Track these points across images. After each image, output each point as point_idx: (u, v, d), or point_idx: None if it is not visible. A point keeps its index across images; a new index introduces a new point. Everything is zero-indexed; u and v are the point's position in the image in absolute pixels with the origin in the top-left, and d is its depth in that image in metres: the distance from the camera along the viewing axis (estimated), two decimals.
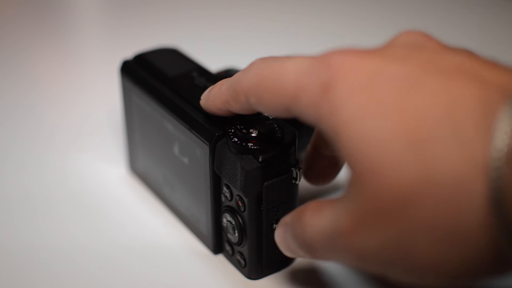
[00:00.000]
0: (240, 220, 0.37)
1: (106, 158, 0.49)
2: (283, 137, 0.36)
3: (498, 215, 0.25)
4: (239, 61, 0.47)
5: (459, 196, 0.25)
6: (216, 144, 0.36)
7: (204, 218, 0.39)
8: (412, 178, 0.26)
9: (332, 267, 0.39)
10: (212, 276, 0.39)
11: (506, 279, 0.28)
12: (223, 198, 0.38)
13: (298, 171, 0.36)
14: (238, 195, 0.36)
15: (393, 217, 0.27)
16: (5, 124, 0.53)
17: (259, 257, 0.38)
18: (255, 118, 0.37)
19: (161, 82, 0.41)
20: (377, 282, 0.38)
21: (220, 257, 0.40)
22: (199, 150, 0.38)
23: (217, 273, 0.39)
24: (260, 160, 0.35)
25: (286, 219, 0.34)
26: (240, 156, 0.35)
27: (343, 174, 0.39)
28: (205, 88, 0.38)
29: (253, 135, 0.35)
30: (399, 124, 0.26)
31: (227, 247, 0.39)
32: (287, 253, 0.35)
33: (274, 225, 0.37)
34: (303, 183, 0.38)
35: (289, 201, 0.37)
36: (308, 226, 0.32)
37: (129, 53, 0.46)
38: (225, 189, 0.37)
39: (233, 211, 0.37)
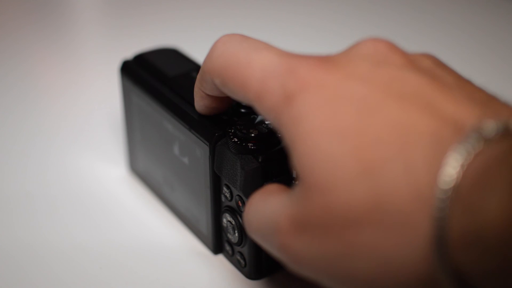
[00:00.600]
0: (240, 220, 0.37)
1: (106, 158, 0.49)
2: None
3: (438, 255, 0.25)
4: None
5: (403, 228, 0.25)
6: (216, 144, 0.36)
7: (204, 218, 0.39)
8: (360, 202, 0.26)
9: None
10: (212, 276, 0.39)
11: None
12: (223, 198, 0.38)
13: None
14: (238, 195, 0.36)
15: (335, 235, 0.27)
16: (5, 124, 0.53)
17: (259, 257, 0.38)
18: (255, 119, 0.37)
19: (161, 82, 0.41)
20: None
21: (220, 257, 0.40)
22: (199, 150, 0.38)
23: (217, 273, 0.39)
24: (260, 160, 0.35)
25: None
26: (240, 156, 0.35)
27: None
28: None
29: (253, 135, 0.35)
30: (353, 148, 0.26)
31: (227, 247, 0.39)
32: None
33: None
34: None
35: None
36: (252, 207, 0.32)
37: (129, 53, 0.46)
38: (225, 189, 0.37)
39: (233, 211, 0.37)
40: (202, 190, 0.39)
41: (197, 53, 0.48)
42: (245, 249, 0.38)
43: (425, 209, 0.25)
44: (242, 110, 0.38)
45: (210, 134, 0.37)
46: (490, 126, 0.25)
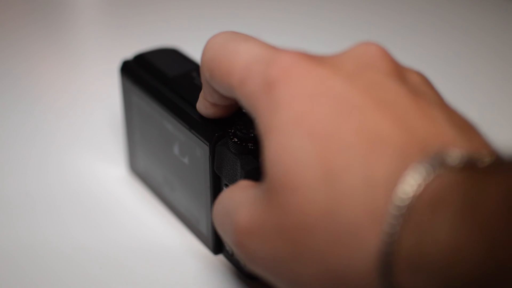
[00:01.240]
0: None
1: (106, 158, 0.49)
2: None
3: (382, 272, 0.24)
4: None
5: (353, 239, 0.25)
6: (216, 144, 0.36)
7: (204, 218, 0.39)
8: (317, 208, 0.26)
9: None
10: (212, 276, 0.39)
11: None
12: None
13: None
14: None
15: (290, 239, 0.27)
16: (5, 124, 0.53)
17: None
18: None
19: (161, 82, 0.41)
20: None
21: (220, 257, 0.40)
22: (199, 150, 0.38)
23: (217, 273, 0.39)
24: (260, 160, 0.35)
25: None
26: (240, 156, 0.35)
27: None
28: None
29: (252, 135, 0.35)
30: (321, 150, 0.26)
31: (227, 247, 0.39)
32: None
33: None
34: None
35: None
36: (218, 201, 0.32)
37: (129, 53, 0.46)
38: (225, 189, 0.37)
39: None
40: (202, 190, 0.39)
41: (197, 53, 0.48)
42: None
43: (377, 224, 0.25)
44: (244, 111, 0.38)
45: (210, 134, 0.37)
46: (455, 154, 0.24)
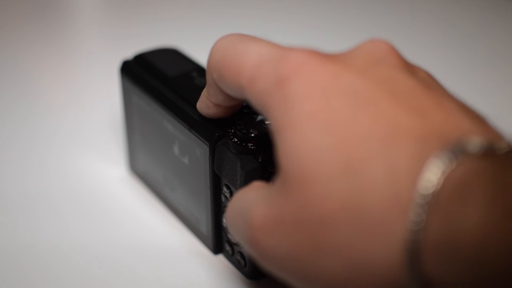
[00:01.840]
0: None
1: (106, 158, 0.49)
2: None
3: (410, 261, 0.24)
4: None
5: (378, 230, 0.25)
6: (216, 144, 0.36)
7: (204, 218, 0.39)
8: (338, 201, 0.26)
9: None
10: (212, 276, 0.39)
11: None
12: (223, 198, 0.38)
13: None
14: None
15: (308, 233, 0.26)
16: (5, 124, 0.53)
17: None
18: (255, 119, 0.37)
19: (161, 82, 0.41)
20: None
21: (220, 257, 0.40)
22: (199, 150, 0.38)
23: (217, 273, 0.39)
24: (260, 160, 0.35)
25: None
26: (240, 156, 0.35)
27: None
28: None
29: (253, 135, 0.35)
30: (339, 144, 0.26)
31: (227, 247, 0.39)
32: None
33: None
34: None
35: None
36: (232, 202, 0.32)
37: (129, 53, 0.46)
38: (225, 189, 0.37)
39: None
40: (202, 190, 0.39)
41: (197, 53, 0.48)
42: (245, 249, 0.38)
43: (402, 213, 0.25)
44: (244, 111, 0.38)
45: (210, 134, 0.37)
46: (475, 142, 0.25)
